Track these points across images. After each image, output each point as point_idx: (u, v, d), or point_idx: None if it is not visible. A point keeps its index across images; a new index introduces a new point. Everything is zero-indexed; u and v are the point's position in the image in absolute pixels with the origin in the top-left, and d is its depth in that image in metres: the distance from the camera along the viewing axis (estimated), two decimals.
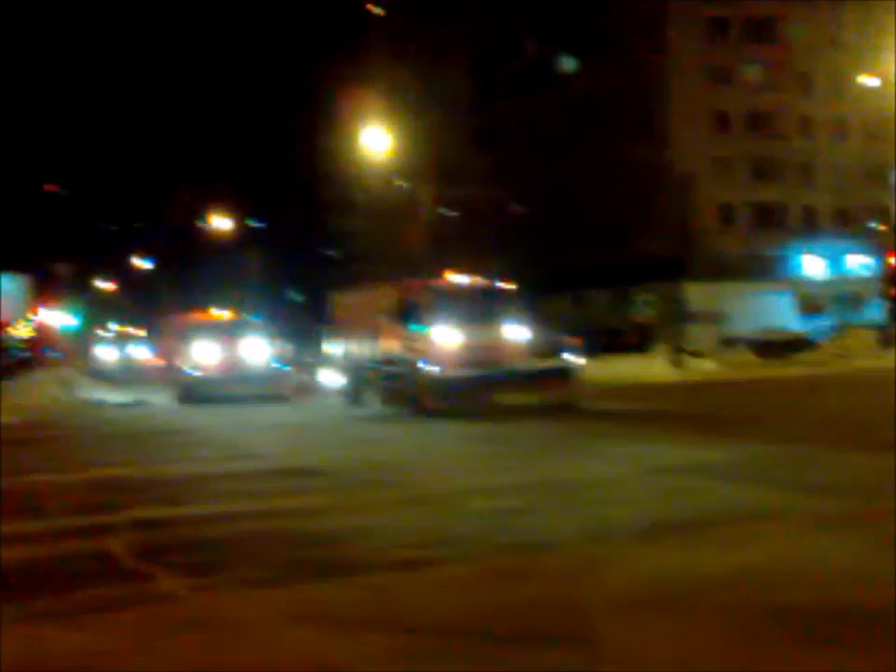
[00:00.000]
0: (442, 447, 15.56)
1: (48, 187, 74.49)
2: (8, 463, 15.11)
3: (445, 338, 21.30)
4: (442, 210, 45.24)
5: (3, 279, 50.58)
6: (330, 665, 5.23)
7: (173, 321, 34.93)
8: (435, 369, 20.67)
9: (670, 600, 5.95)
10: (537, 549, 7.47)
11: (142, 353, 46.40)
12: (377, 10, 79.79)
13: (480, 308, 22.18)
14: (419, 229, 39.00)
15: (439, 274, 24.94)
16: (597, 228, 60.64)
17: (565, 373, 21.56)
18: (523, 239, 62.53)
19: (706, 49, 60.93)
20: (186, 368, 30.24)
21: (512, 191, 64.04)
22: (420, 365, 20.89)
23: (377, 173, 53.43)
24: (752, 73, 62.50)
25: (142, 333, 52.08)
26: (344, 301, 27.21)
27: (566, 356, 22.74)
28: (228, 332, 30.99)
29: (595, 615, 5.77)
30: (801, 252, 63.34)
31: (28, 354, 54.68)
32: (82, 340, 59.49)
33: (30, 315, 60.61)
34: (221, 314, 35.58)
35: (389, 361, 22.64)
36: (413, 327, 21.70)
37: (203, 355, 30.18)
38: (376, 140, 39.46)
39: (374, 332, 23.41)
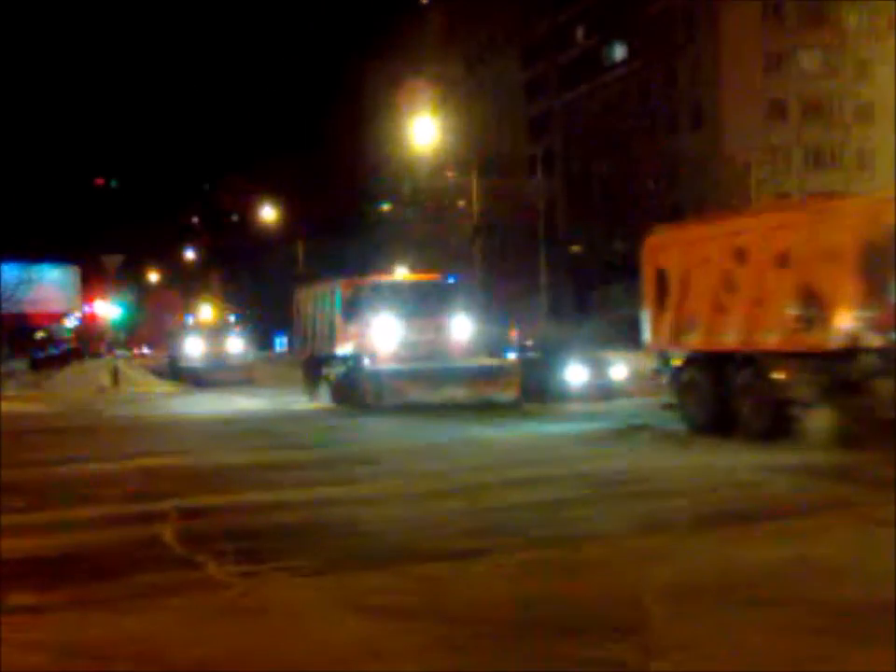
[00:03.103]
0: None
1: (98, 180, 75.49)
2: (58, 451, 15.26)
3: None
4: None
5: (52, 271, 50.92)
6: (380, 653, 5.18)
7: (327, 288, 23.13)
8: None
9: None
10: None
11: (236, 344, 40.79)
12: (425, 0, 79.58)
13: None
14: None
15: None
16: (649, 217, 60.17)
17: None
18: (573, 230, 62.16)
19: (760, 35, 60.04)
20: (353, 356, 20.84)
21: (563, 181, 63.67)
22: None
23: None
24: (808, 59, 61.48)
25: (232, 321, 47.33)
26: (680, 247, 14.99)
27: None
28: (418, 303, 20.96)
29: None
30: None
31: (77, 345, 54.93)
32: (154, 332, 58.81)
33: (80, 307, 61.03)
34: (409, 275, 23.92)
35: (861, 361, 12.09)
36: None
37: (383, 336, 20.42)
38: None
39: (798, 303, 12.72)
